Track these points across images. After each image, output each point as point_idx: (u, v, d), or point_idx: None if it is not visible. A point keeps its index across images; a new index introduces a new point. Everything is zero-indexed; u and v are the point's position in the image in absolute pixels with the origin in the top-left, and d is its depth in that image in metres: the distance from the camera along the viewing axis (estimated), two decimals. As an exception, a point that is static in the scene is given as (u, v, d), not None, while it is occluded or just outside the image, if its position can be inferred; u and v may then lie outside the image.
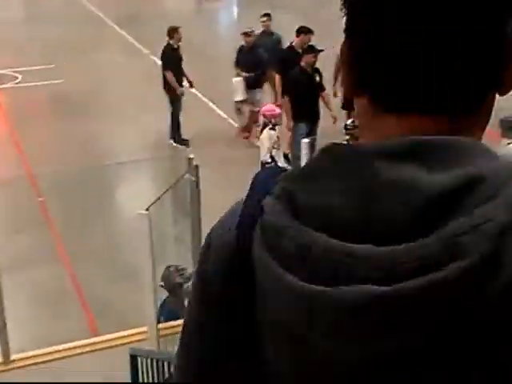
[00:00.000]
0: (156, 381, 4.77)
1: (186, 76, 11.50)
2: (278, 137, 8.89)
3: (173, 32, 11.32)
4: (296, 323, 0.69)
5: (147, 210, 4.86)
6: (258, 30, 12.14)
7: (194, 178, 5.50)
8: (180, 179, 5.43)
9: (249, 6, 19.02)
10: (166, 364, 4.65)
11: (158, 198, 5.10)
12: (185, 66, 11.56)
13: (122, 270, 8.12)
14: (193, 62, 11.76)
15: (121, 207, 10.27)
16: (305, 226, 0.70)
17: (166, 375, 4.67)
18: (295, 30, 10.70)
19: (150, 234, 4.88)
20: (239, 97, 11.26)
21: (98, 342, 5.75)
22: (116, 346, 5.67)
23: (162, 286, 5.79)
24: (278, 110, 9.32)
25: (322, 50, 9.89)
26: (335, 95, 10.91)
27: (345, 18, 0.77)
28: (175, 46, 11.34)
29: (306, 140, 5.70)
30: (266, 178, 0.78)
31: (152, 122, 11.91)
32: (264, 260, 0.72)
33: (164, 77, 11.34)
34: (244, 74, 11.15)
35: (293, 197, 0.73)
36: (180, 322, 5.74)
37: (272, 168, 0.83)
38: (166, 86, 11.33)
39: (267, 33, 11.98)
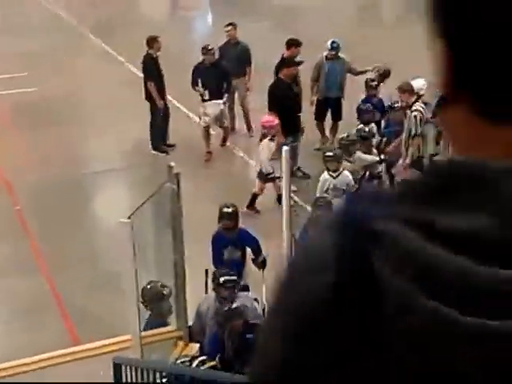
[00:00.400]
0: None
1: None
2: (275, 147, 8.94)
3: (152, 42, 11.25)
4: (450, 361, 0.61)
5: (129, 218, 4.87)
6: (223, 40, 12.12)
7: (174, 187, 5.51)
8: (161, 187, 5.44)
9: (223, 14, 19.09)
10: (150, 372, 4.66)
11: (140, 206, 5.12)
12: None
13: (101, 279, 8.10)
14: (170, 71, 11.77)
15: (99, 216, 10.24)
16: (455, 254, 0.62)
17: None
18: (285, 42, 10.74)
19: (133, 242, 4.89)
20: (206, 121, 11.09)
21: (80, 351, 5.74)
22: (98, 354, 5.66)
23: (142, 302, 5.80)
24: (276, 121, 9.32)
25: (301, 62, 9.97)
26: (312, 104, 11.10)
27: (440, 20, 0.69)
28: (154, 56, 11.29)
29: (285, 147, 5.77)
30: (365, 203, 0.68)
31: (130, 130, 11.90)
32: (406, 293, 0.62)
33: (145, 86, 11.30)
34: (200, 89, 10.94)
35: (427, 221, 0.63)
36: (163, 329, 5.78)
37: (366, 192, 0.75)
38: (148, 95, 11.29)
39: (232, 43, 11.95)
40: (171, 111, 11.71)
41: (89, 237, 9.24)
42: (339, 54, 11.04)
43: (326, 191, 8.30)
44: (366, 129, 9.68)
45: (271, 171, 9.01)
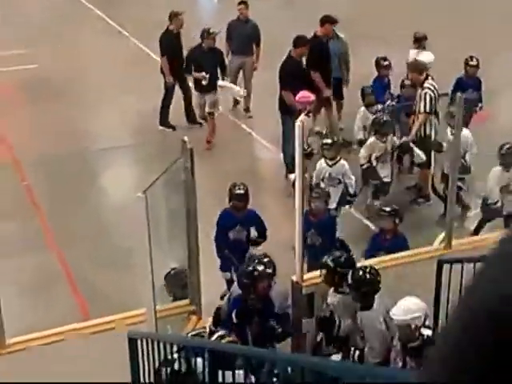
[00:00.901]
0: (156, 362, 4.79)
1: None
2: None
3: (173, 17, 11.04)
4: None
5: (144, 193, 4.85)
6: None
7: (188, 165, 5.44)
8: (174, 162, 5.41)
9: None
10: (166, 346, 4.68)
11: (155, 181, 5.10)
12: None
13: (111, 255, 8.12)
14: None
15: (107, 192, 10.24)
16: None
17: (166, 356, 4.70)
18: (319, 19, 10.45)
19: (147, 217, 4.88)
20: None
21: (93, 325, 5.75)
22: (112, 328, 5.68)
23: (165, 286, 5.90)
24: (312, 97, 9.23)
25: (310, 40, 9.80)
26: None
27: None
28: (175, 31, 11.05)
29: (299, 123, 5.73)
30: None
31: (135, 106, 11.86)
32: None
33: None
34: (201, 74, 10.52)
35: None
36: (177, 304, 5.80)
37: None
38: (162, 71, 11.14)
39: (242, 20, 11.78)
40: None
41: (97, 213, 9.25)
42: (338, 34, 10.65)
43: (322, 180, 8.21)
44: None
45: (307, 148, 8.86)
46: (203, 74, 10.50)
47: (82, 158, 10.69)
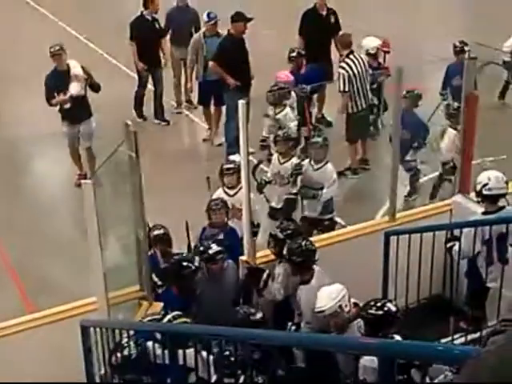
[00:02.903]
0: (109, 349, 4.74)
1: (162, 51, 10.77)
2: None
3: (148, 1, 10.56)
4: None
5: (90, 178, 4.77)
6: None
7: (133, 154, 5.31)
8: (118, 147, 5.30)
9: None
10: (121, 332, 4.63)
11: (100, 167, 5.01)
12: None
13: (53, 246, 7.96)
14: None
15: (43, 182, 10.01)
16: None
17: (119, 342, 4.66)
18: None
19: (95, 204, 4.80)
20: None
21: (42, 317, 5.64)
22: (61, 319, 5.58)
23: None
24: (291, 78, 9.06)
25: (251, 19, 9.62)
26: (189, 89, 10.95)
27: None
28: (148, 17, 10.58)
29: (242, 101, 5.69)
30: None
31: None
32: None
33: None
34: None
35: None
36: (127, 290, 5.73)
37: None
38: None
39: (182, 7, 11.17)
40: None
41: (34, 203, 9.02)
42: (218, 30, 10.09)
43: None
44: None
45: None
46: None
47: (14, 145, 10.42)
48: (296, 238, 5.77)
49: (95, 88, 8.89)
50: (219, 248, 5.88)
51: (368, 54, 9.63)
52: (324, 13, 10.33)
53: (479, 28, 12.82)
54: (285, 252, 5.68)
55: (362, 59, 9.15)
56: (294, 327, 5.72)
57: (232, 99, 8.68)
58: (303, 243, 5.64)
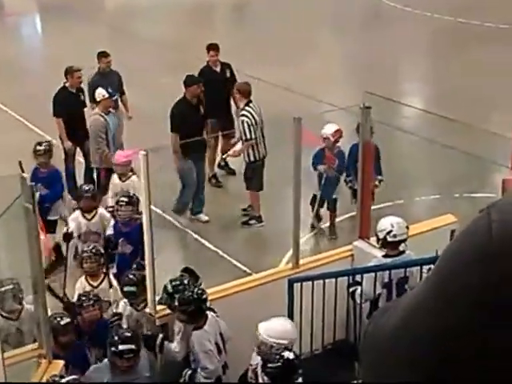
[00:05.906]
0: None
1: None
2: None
3: (67, 74, 9.71)
4: None
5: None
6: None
7: (29, 205, 5.14)
8: (13, 202, 5.13)
9: (52, 20, 18.57)
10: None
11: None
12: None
13: None
14: (3, 78, 11.22)
15: None
16: None
17: None
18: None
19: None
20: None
21: None
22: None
23: None
24: (130, 157, 8.27)
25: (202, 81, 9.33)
26: None
27: None
28: (71, 90, 9.77)
29: (143, 152, 5.65)
30: None
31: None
32: None
33: None
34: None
35: None
36: (24, 349, 5.49)
37: None
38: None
39: (106, 72, 10.34)
40: (8, 122, 10.94)
41: None
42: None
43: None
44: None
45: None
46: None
47: None
48: (185, 287, 5.74)
49: None
50: (131, 346, 5.41)
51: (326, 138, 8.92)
52: (218, 68, 10.41)
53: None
54: (176, 303, 5.63)
55: (259, 108, 9.17)
56: (189, 372, 5.67)
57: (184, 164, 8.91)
58: (194, 291, 5.63)
